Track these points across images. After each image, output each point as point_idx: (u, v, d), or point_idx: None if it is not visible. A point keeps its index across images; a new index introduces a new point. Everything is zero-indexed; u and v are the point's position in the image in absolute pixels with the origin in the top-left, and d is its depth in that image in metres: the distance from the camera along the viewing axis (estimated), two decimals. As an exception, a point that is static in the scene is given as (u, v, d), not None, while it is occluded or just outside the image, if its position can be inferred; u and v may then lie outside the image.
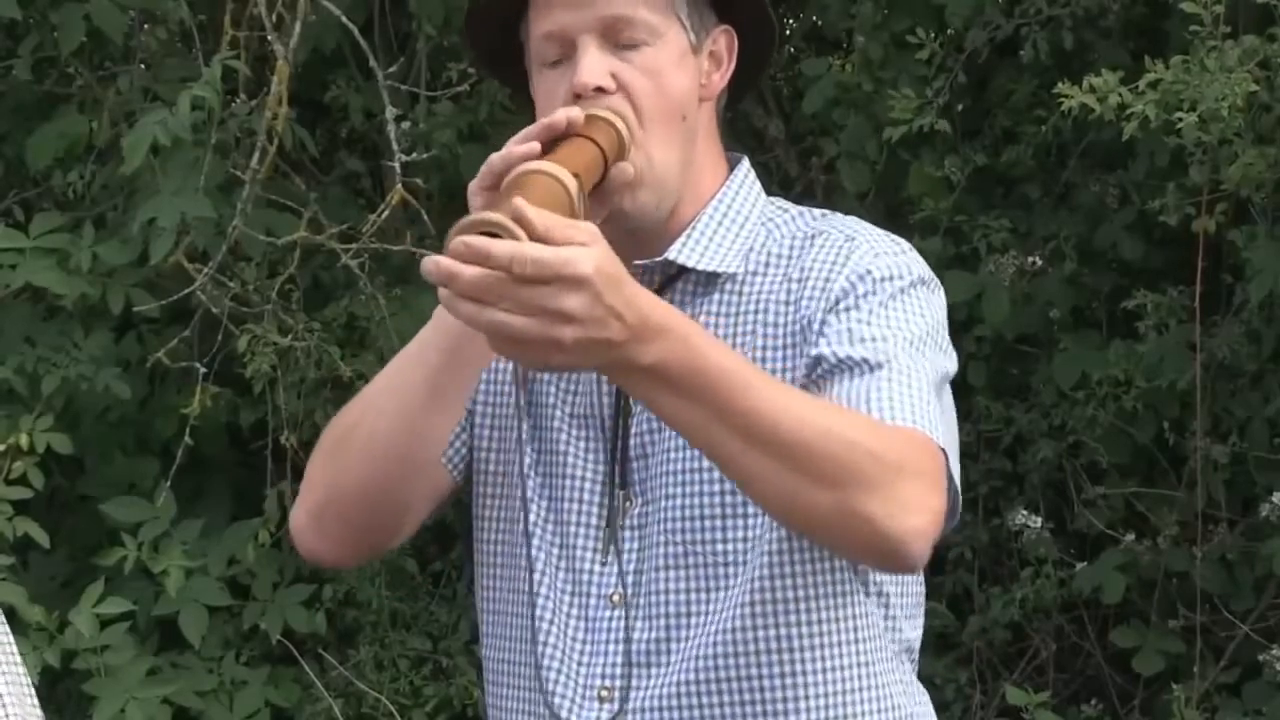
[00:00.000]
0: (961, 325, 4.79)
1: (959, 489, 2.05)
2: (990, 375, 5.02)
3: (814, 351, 2.05)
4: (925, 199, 4.93)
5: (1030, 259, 4.90)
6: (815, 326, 2.07)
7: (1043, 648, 5.06)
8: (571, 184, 1.89)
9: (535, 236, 1.73)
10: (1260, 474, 4.79)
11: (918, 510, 1.93)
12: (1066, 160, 5.05)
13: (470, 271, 1.73)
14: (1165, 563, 4.84)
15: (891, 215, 5.00)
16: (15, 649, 2.19)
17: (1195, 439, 4.71)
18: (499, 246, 1.72)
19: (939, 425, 2.01)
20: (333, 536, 2.19)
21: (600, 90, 2.06)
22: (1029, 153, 4.96)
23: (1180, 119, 4.04)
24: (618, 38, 2.08)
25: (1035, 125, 4.89)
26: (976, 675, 5.02)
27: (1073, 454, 4.97)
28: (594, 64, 2.06)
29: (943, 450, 1.99)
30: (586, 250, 1.75)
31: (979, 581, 5.10)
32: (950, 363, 2.13)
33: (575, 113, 2.00)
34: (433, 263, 1.75)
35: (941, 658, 5.01)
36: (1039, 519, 4.89)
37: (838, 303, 2.07)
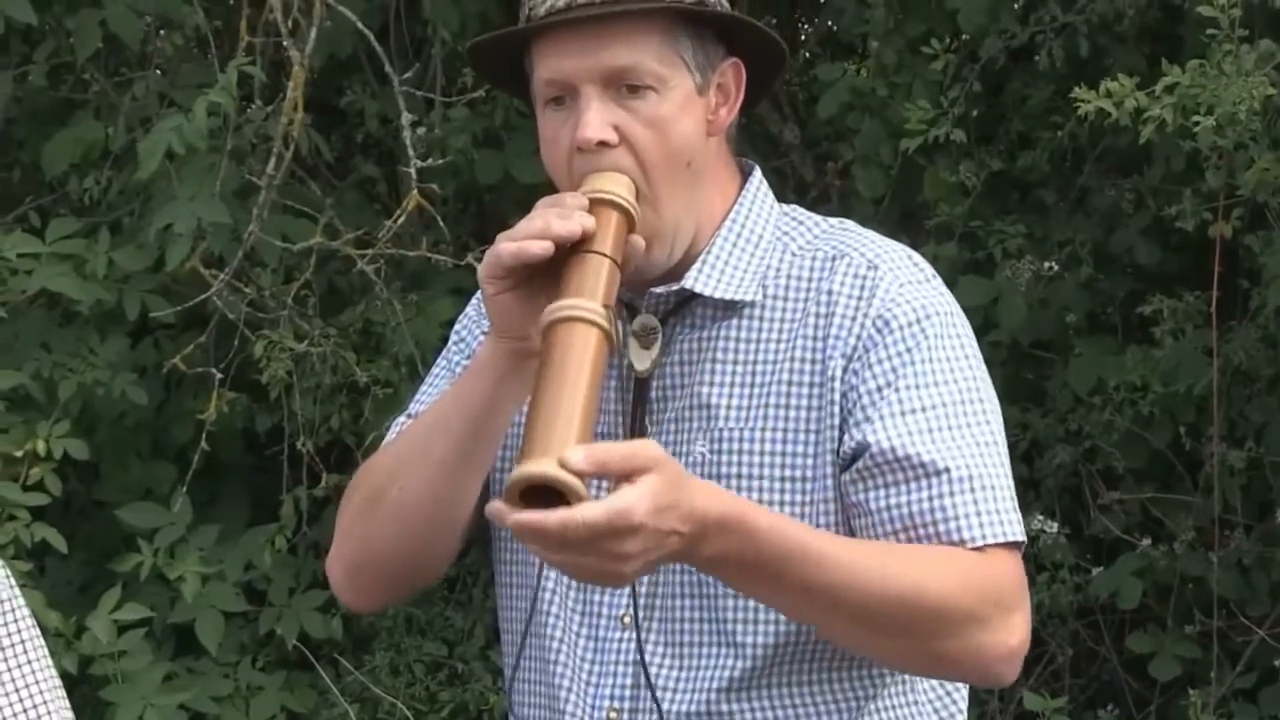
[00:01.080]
0: (977, 331, 4.71)
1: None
2: (1006, 380, 5.00)
3: (863, 436, 2.04)
4: (941, 204, 4.92)
5: (1046, 264, 4.90)
6: (848, 379, 2.07)
7: (1059, 653, 5.05)
8: (604, 322, 1.90)
9: (591, 476, 1.77)
10: (1277, 479, 4.78)
11: (998, 641, 1.98)
12: (1082, 165, 5.04)
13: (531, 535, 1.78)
14: (1181, 568, 4.83)
15: (907, 220, 5.00)
16: (46, 651, 2.21)
17: (1212, 444, 4.70)
18: (550, 521, 1.75)
19: (1014, 512, 2.04)
20: (370, 592, 2.23)
21: (603, 144, 2.05)
22: (1044, 158, 4.96)
23: (1197, 122, 4.03)
24: (621, 85, 2.06)
25: (1051, 130, 4.88)
26: (993, 681, 5.01)
27: (1089, 459, 4.96)
28: (596, 118, 2.05)
29: (1020, 544, 2.03)
30: (636, 492, 1.77)
31: (995, 587, 5.08)
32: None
33: (590, 222, 1.97)
34: (497, 513, 1.78)
35: (957, 663, 4.99)
36: (1055, 524, 4.88)
37: (868, 352, 2.07)
